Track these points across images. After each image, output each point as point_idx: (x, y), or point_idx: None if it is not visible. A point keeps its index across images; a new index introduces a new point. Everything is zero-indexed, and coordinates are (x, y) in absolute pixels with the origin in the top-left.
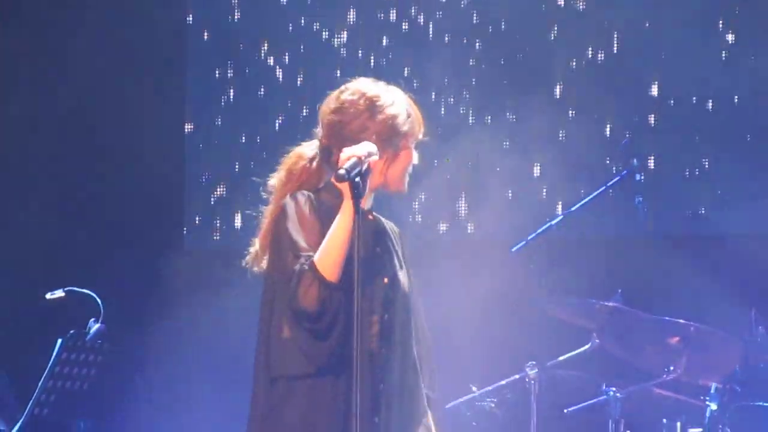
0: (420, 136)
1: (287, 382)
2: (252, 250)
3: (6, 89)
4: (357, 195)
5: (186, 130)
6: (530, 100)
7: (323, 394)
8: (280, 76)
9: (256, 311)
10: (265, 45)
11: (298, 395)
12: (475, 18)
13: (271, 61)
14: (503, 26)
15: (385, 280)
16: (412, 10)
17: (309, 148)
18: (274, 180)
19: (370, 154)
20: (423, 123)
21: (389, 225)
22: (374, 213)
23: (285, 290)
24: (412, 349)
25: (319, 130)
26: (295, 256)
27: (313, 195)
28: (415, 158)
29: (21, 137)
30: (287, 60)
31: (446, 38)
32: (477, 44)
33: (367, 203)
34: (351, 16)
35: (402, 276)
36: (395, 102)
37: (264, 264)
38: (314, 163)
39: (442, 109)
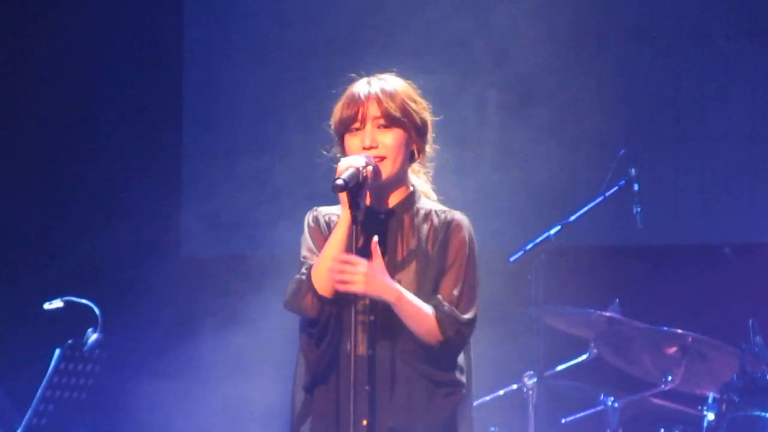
0: (349, 116)
1: (304, 393)
2: None
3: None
4: (355, 205)
5: (183, 136)
6: (526, 111)
7: (322, 403)
8: (283, 76)
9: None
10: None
11: (309, 405)
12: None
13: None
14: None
15: None
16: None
17: None
18: None
19: (367, 164)
20: (353, 101)
21: (422, 214)
22: (409, 208)
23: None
24: (402, 350)
25: None
26: (301, 264)
27: (321, 211)
28: (354, 144)
29: (17, 139)
30: (288, 55)
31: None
32: (480, 63)
33: (382, 201)
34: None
35: (399, 277)
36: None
37: None
38: None
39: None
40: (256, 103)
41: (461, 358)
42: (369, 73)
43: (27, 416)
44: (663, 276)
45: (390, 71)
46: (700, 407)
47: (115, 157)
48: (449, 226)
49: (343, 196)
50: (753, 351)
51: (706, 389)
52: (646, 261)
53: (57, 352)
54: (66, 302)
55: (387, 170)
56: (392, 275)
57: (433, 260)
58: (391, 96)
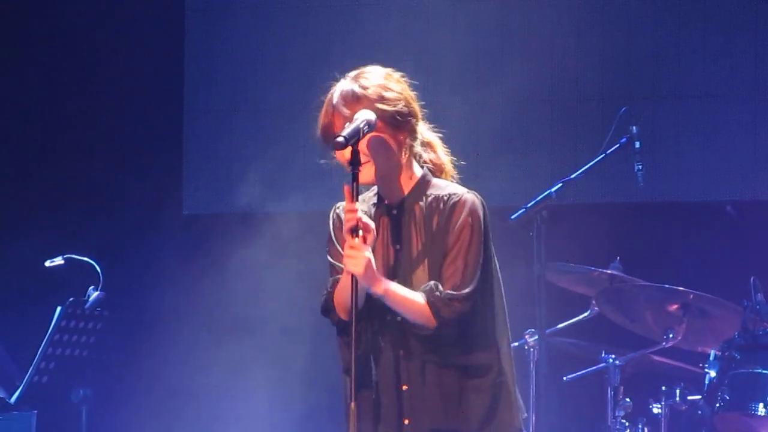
0: (323, 128)
1: (346, 377)
2: None
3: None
4: (356, 162)
5: (185, 92)
6: (527, 69)
7: (362, 402)
8: (283, 35)
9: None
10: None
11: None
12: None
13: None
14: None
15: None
16: None
17: None
18: None
19: (368, 123)
20: (326, 112)
21: (430, 202)
22: (419, 197)
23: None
24: (412, 350)
25: None
26: (329, 268)
27: (341, 207)
28: (339, 156)
29: (18, 105)
30: (289, 13)
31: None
32: (473, 10)
33: (393, 194)
34: None
35: (414, 275)
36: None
37: None
38: None
39: (442, 73)
40: (258, 61)
41: (486, 338)
42: (354, 65)
43: (28, 373)
44: (664, 233)
45: (373, 64)
46: (701, 365)
47: (116, 114)
48: (452, 208)
49: (341, 155)
50: (754, 308)
51: (707, 347)
52: (648, 219)
53: (58, 309)
54: (67, 260)
55: (371, 174)
56: (409, 269)
57: (439, 246)
58: (358, 101)
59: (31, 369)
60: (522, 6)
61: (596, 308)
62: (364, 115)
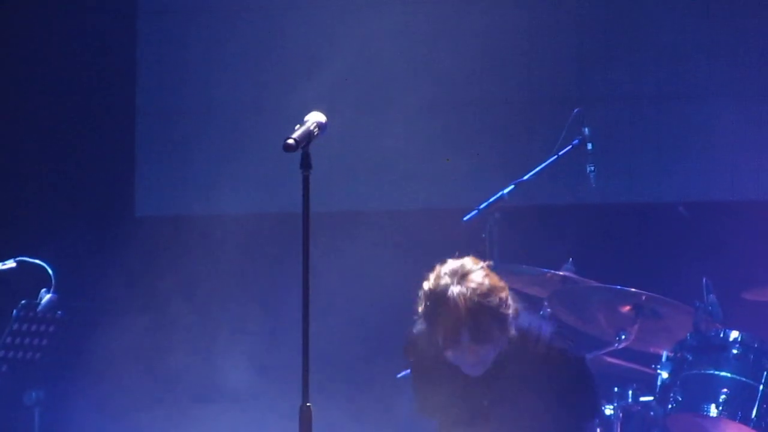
0: (448, 341)
1: None
2: None
3: None
4: (307, 165)
5: (137, 94)
6: (480, 71)
7: None
8: (235, 38)
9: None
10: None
11: None
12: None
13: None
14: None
15: None
16: None
17: None
18: None
19: (318, 126)
20: (449, 335)
21: (522, 361)
22: (512, 365)
23: None
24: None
25: None
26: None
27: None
28: (455, 359)
29: None
30: (248, 17)
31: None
32: (426, 12)
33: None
34: None
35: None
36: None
37: None
38: None
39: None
40: (211, 63)
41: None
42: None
43: None
44: (616, 235)
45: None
46: (653, 366)
47: (68, 116)
48: (552, 369)
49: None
50: (706, 309)
51: (659, 348)
52: (600, 220)
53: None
54: (19, 262)
55: (484, 369)
56: (501, 424)
57: (540, 406)
58: (482, 322)
59: None
60: (475, 8)
61: (549, 309)
62: (315, 117)
